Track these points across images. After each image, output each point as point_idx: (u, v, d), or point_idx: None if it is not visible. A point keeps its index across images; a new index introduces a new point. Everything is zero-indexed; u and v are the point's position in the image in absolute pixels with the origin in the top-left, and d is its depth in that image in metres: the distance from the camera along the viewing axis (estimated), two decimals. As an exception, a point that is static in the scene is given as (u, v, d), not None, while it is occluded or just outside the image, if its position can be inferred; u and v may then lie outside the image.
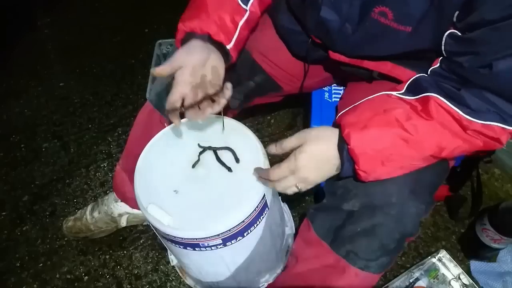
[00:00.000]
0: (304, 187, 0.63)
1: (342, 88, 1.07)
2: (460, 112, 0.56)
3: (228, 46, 0.72)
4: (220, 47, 0.72)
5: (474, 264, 1.07)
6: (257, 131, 1.44)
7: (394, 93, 0.62)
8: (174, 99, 0.66)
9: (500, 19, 0.51)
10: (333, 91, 1.06)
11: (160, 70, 0.65)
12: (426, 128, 0.57)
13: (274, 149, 0.65)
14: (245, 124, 0.80)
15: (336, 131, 0.61)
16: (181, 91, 0.66)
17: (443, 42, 0.60)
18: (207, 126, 0.81)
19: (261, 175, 0.67)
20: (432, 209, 1.17)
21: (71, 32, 2.00)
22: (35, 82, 1.74)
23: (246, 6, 0.75)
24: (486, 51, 0.54)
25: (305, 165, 0.61)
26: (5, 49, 1.92)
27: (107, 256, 1.17)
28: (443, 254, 1.01)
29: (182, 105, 0.67)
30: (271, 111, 1.50)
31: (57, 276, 1.14)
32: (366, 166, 0.59)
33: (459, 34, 0.57)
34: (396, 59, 0.71)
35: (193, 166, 0.74)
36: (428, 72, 0.65)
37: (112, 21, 2.01)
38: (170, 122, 0.83)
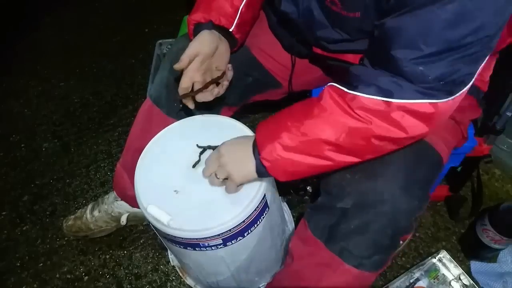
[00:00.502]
0: (221, 175, 0.66)
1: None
2: (344, 89, 0.57)
3: (231, 29, 0.78)
4: (225, 31, 0.78)
5: (475, 265, 1.06)
6: (257, 131, 1.44)
7: None
8: (185, 85, 0.73)
9: None
10: (334, 91, 1.06)
11: (180, 65, 0.72)
12: (316, 111, 0.58)
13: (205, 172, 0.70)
14: (245, 123, 0.80)
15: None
16: (191, 77, 0.73)
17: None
18: (208, 126, 0.81)
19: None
20: (431, 206, 1.18)
21: (71, 32, 2.00)
22: (35, 82, 1.75)
23: None
24: (390, 20, 0.54)
25: (228, 147, 0.66)
26: (5, 49, 1.92)
27: (107, 256, 1.17)
28: (443, 254, 1.01)
29: (192, 90, 0.75)
30: (271, 110, 1.50)
31: (57, 276, 1.14)
32: (266, 154, 0.60)
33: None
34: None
35: (194, 166, 0.74)
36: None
37: (112, 21, 2.02)
38: (169, 114, 0.88)
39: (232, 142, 0.68)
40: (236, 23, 0.78)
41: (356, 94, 0.56)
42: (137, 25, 1.96)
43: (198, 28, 0.77)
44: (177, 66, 0.72)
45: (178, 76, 0.75)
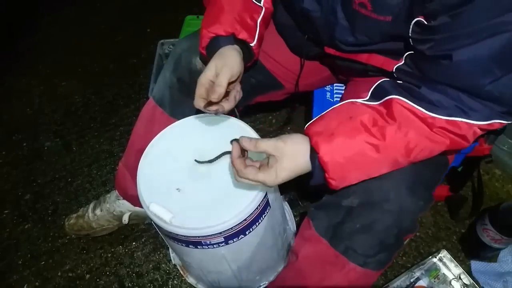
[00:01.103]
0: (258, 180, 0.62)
1: (344, 87, 1.07)
2: (423, 110, 0.57)
3: (252, 44, 0.74)
4: (245, 46, 0.74)
5: (475, 264, 1.07)
6: (259, 131, 1.43)
7: (359, 100, 0.62)
8: (199, 93, 0.69)
9: (458, 4, 0.50)
10: (335, 91, 1.06)
11: (221, 90, 0.67)
12: (393, 132, 0.57)
13: (248, 143, 0.60)
14: (246, 122, 0.80)
15: (308, 141, 0.61)
16: (206, 88, 0.69)
17: (410, 30, 0.59)
18: (210, 125, 0.81)
19: (233, 162, 0.62)
20: (432, 206, 1.18)
21: (73, 31, 2.01)
22: (36, 82, 1.75)
23: (260, 3, 0.77)
24: (446, 39, 0.53)
25: (283, 180, 0.60)
26: (7, 49, 1.92)
27: (109, 255, 1.17)
28: (444, 254, 1.01)
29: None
30: (272, 110, 1.50)
31: (59, 274, 1.15)
32: (335, 173, 0.58)
33: (425, 22, 0.56)
34: (385, 52, 0.70)
35: (199, 161, 0.74)
36: (394, 70, 0.66)
37: (114, 21, 2.02)
38: (172, 115, 0.88)
39: (289, 175, 0.60)
40: (257, 38, 0.75)
41: (437, 117, 0.56)
42: (138, 25, 1.96)
43: (216, 41, 0.72)
44: (220, 92, 0.67)
45: (180, 76, 0.74)
